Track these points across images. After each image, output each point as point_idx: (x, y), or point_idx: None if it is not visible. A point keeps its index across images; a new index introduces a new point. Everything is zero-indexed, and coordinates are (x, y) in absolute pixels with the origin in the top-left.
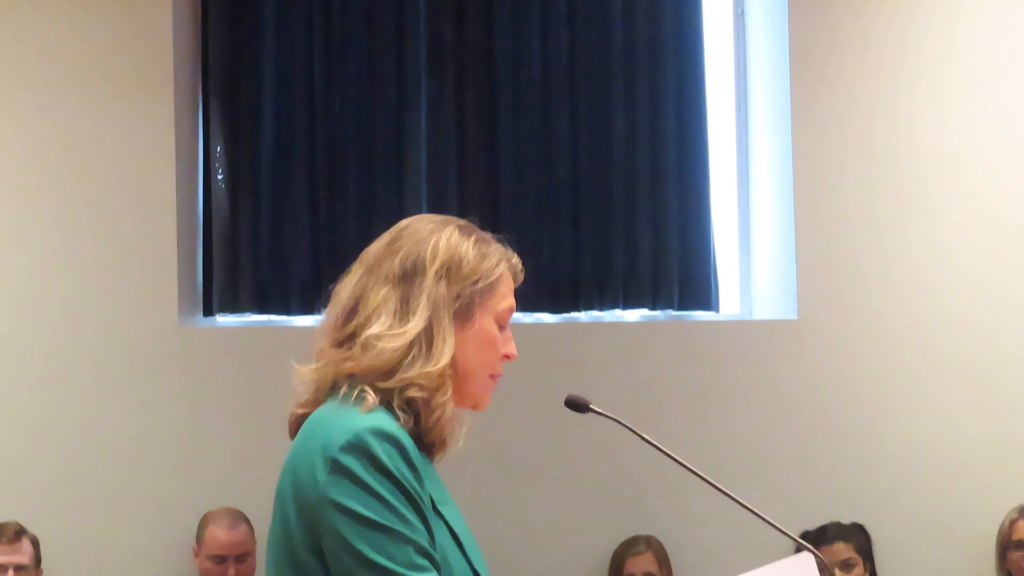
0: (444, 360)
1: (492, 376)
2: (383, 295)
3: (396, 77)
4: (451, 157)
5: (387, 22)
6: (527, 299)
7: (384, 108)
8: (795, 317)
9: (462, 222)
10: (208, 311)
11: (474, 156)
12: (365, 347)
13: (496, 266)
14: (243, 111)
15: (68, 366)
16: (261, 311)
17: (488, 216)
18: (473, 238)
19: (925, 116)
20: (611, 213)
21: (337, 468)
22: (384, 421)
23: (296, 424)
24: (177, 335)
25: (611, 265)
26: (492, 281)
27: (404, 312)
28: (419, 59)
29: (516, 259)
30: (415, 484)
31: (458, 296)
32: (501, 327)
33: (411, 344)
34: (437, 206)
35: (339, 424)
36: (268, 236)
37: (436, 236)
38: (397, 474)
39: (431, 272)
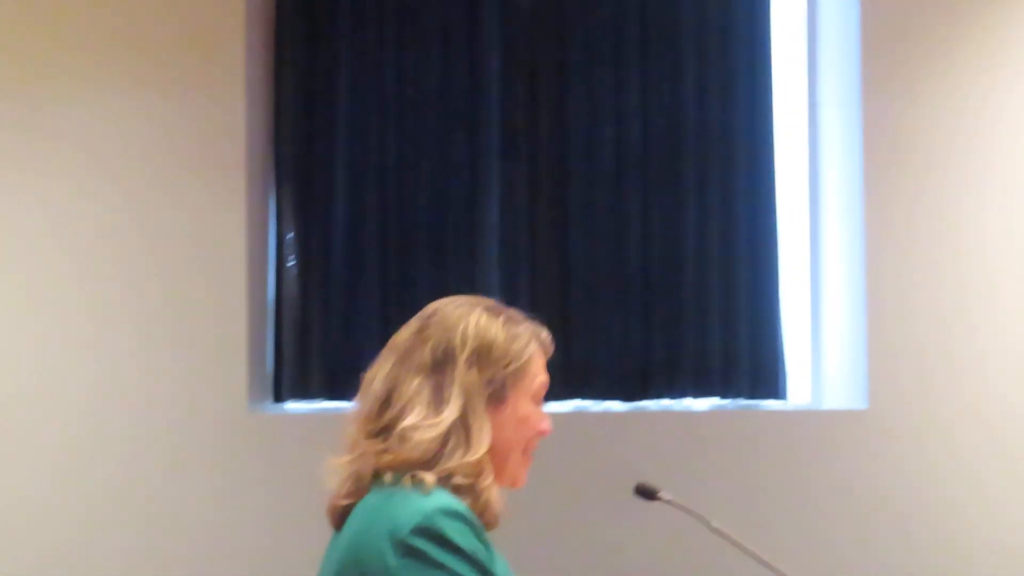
0: (483, 449)
1: (526, 452)
2: (416, 385)
3: (469, 165)
4: (523, 245)
5: (461, 110)
6: (597, 387)
7: (456, 196)
8: (865, 407)
9: (490, 302)
10: (278, 397)
11: (546, 245)
12: (402, 439)
13: (526, 346)
14: (315, 198)
15: (138, 451)
16: (331, 398)
17: (559, 304)
18: (502, 319)
19: (991, 208)
20: (682, 302)
21: (409, 552)
22: (450, 500)
23: (339, 515)
24: (247, 421)
25: (681, 354)
26: (523, 362)
27: (438, 402)
28: (492, 147)
29: (546, 334)
30: (486, 562)
31: (490, 381)
32: (535, 403)
33: (447, 433)
34: (508, 294)
35: (404, 507)
36: (338, 323)
37: (464, 322)
38: (470, 552)
39: (462, 360)
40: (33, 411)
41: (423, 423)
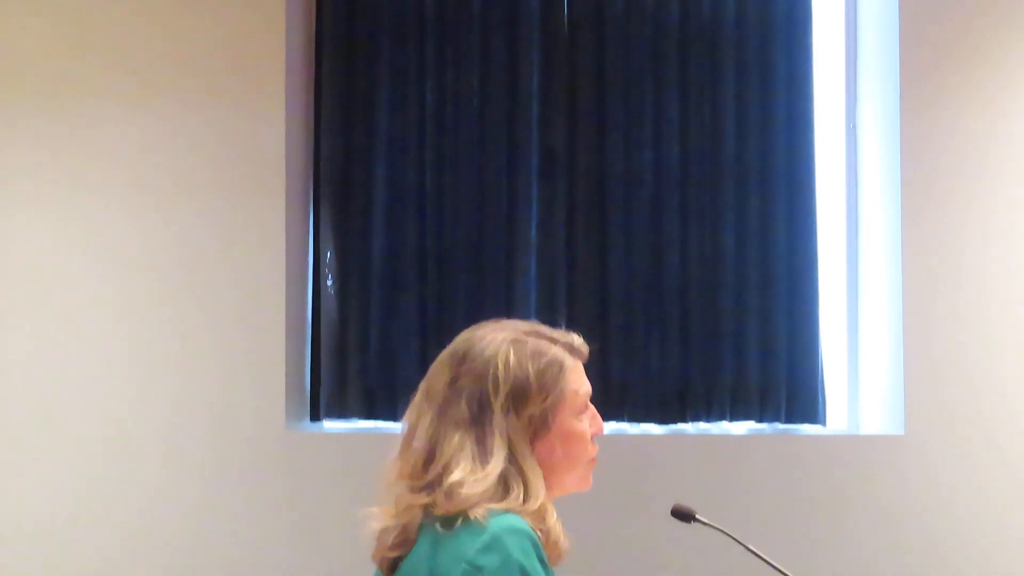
0: (542, 495)
1: (590, 460)
2: (457, 441)
3: (507, 185)
4: (560, 265)
5: (499, 131)
6: (634, 409)
7: (495, 216)
8: (902, 432)
9: (515, 332)
10: (315, 416)
11: (583, 265)
12: (449, 495)
13: (560, 371)
14: (353, 217)
15: (176, 467)
16: (368, 417)
17: (596, 325)
18: (529, 350)
19: None
20: (720, 325)
21: (475, 570)
22: (516, 520)
23: (388, 566)
24: (284, 440)
25: (719, 377)
26: (560, 389)
27: (482, 454)
28: (530, 168)
29: (578, 340)
30: None
31: (531, 419)
32: (581, 413)
33: (500, 481)
34: (545, 314)
35: (466, 535)
36: (376, 342)
37: (493, 365)
38: (532, 572)
39: (498, 408)
40: (72, 426)
41: (470, 477)
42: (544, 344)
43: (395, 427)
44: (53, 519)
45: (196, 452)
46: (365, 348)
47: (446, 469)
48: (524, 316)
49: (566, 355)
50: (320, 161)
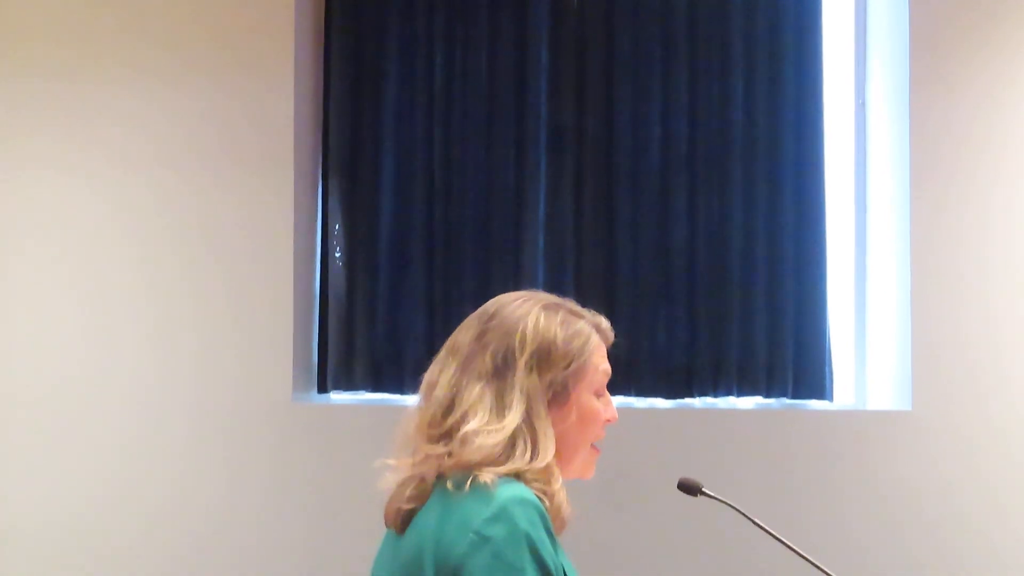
0: (550, 454)
1: (594, 446)
2: (478, 391)
3: (515, 160)
4: (568, 240)
5: (507, 105)
6: (641, 383)
7: (502, 190)
8: (909, 408)
9: (548, 299)
10: (323, 388)
11: (591, 240)
12: (464, 442)
13: (586, 343)
14: (362, 190)
15: (181, 439)
16: (375, 389)
17: (604, 300)
18: (559, 318)
19: None
20: (727, 300)
21: (482, 540)
22: (522, 489)
23: (402, 518)
24: (291, 411)
25: (726, 352)
26: (584, 359)
27: (500, 408)
28: (539, 142)
29: (605, 323)
30: (553, 554)
31: (551, 383)
32: (599, 394)
33: (510, 439)
34: (553, 289)
35: (475, 502)
36: (384, 315)
37: (523, 324)
38: (539, 543)
39: (521, 364)
40: (87, 398)
41: (485, 428)
42: (576, 314)
43: (402, 399)
44: (77, 480)
45: (202, 423)
46: (372, 321)
47: (463, 418)
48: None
49: (593, 331)
50: (329, 135)
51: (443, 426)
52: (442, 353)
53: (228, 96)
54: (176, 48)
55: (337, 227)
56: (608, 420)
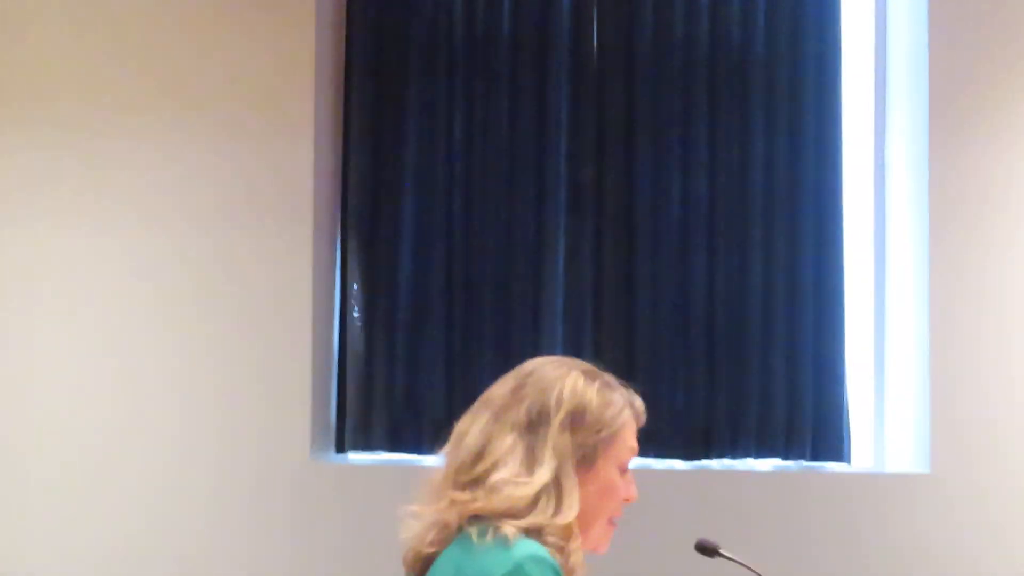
0: (573, 513)
1: (611, 520)
2: (510, 443)
3: (535, 218)
4: (587, 300)
5: (527, 162)
6: (659, 444)
7: (522, 249)
8: (928, 471)
9: (587, 366)
10: (340, 448)
11: (611, 299)
12: (492, 490)
13: (619, 414)
14: (381, 248)
15: (198, 497)
16: (393, 449)
17: (623, 360)
18: (597, 385)
19: None
20: (746, 361)
21: None
22: (539, 548)
23: (421, 562)
24: (309, 470)
25: (744, 413)
26: (615, 430)
27: (531, 461)
28: (558, 200)
29: (639, 402)
30: None
31: (581, 445)
32: (622, 471)
33: (538, 494)
34: (572, 348)
35: (493, 555)
36: (402, 375)
37: (561, 384)
38: None
39: (556, 422)
40: (106, 455)
41: (515, 479)
42: (612, 385)
43: (420, 459)
44: (99, 538)
45: (219, 481)
46: (391, 380)
47: (494, 466)
48: (550, 350)
49: (627, 406)
50: (348, 192)
51: (472, 473)
52: (475, 405)
53: (248, 152)
54: (196, 103)
55: (355, 285)
56: (627, 499)
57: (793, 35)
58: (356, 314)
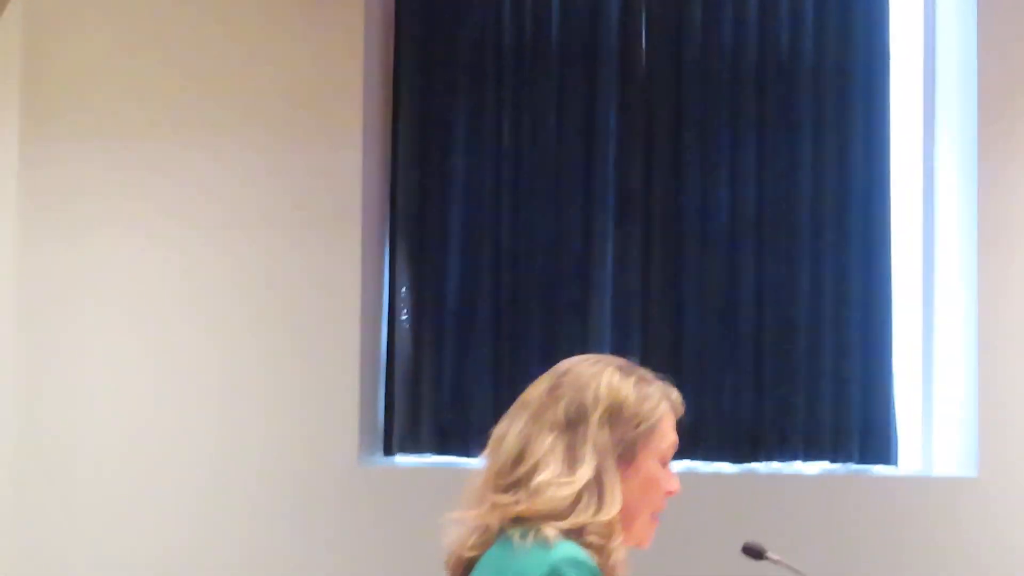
0: (616, 509)
1: (654, 515)
2: (549, 443)
3: (583, 223)
4: (635, 304)
5: (576, 169)
6: (707, 447)
7: (570, 254)
8: (975, 475)
9: (621, 362)
10: (388, 451)
11: (659, 304)
12: (534, 493)
13: (657, 406)
14: (429, 253)
15: (247, 501)
16: (441, 452)
17: (670, 363)
18: (633, 379)
19: None
20: (793, 365)
21: None
22: (577, 551)
23: (463, 566)
24: (357, 474)
25: (792, 417)
26: (653, 423)
27: (571, 460)
28: (606, 206)
29: (676, 394)
30: None
31: (621, 440)
32: (663, 463)
33: (580, 492)
34: (620, 352)
35: (533, 557)
36: (450, 378)
37: (597, 381)
38: None
39: (594, 419)
40: (154, 462)
41: (557, 480)
42: (648, 379)
43: (467, 462)
44: (146, 547)
45: (270, 485)
46: (438, 383)
47: (535, 468)
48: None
49: (664, 399)
50: (396, 197)
51: (513, 476)
52: (513, 407)
53: (297, 157)
54: (246, 111)
55: (404, 289)
56: (669, 492)
57: (841, 41)
58: (404, 318)
